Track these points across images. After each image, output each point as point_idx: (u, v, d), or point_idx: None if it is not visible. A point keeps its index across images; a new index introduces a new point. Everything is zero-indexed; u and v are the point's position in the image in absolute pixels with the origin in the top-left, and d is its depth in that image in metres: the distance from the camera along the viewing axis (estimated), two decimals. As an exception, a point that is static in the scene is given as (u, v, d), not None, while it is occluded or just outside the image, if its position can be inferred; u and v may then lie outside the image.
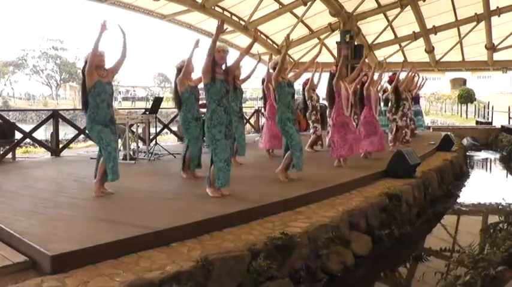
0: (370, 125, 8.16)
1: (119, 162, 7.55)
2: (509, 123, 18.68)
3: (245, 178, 6.22)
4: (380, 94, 10.54)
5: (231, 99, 7.07)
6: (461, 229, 6.73)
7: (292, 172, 6.12)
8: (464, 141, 16.10)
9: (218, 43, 4.98)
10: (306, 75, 9.37)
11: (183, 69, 6.04)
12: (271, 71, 7.15)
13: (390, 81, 9.90)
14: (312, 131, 9.54)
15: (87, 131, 5.42)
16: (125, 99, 50.38)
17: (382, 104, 10.83)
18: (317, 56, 7.08)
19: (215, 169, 4.97)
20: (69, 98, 50.66)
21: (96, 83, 4.88)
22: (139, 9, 14.54)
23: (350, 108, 7.24)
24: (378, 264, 4.91)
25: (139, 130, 9.97)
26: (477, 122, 21.57)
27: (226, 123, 5.00)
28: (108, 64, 5.14)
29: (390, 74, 11.14)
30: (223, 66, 5.06)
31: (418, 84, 12.12)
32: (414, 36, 17.27)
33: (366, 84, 8.19)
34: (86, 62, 4.95)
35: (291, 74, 6.87)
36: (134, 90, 59.84)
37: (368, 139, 8.15)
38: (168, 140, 11.70)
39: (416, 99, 13.05)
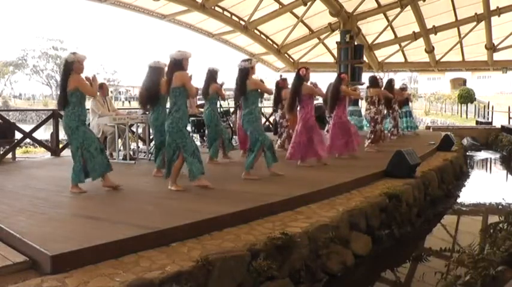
0: (345, 126, 8.33)
1: (119, 162, 7.71)
2: (509, 123, 18.66)
3: (244, 178, 6.22)
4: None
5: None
6: (461, 229, 6.73)
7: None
8: (464, 141, 16.07)
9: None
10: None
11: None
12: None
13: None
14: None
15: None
16: (125, 99, 50.46)
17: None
18: None
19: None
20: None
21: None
22: (139, 9, 14.55)
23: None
24: (378, 264, 4.91)
25: (139, 130, 9.97)
26: (477, 122, 21.52)
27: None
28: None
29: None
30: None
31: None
32: (414, 36, 17.27)
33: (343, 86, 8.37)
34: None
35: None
36: (130, 91, 59.79)
37: (342, 141, 8.29)
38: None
39: (405, 101, 13.24)
